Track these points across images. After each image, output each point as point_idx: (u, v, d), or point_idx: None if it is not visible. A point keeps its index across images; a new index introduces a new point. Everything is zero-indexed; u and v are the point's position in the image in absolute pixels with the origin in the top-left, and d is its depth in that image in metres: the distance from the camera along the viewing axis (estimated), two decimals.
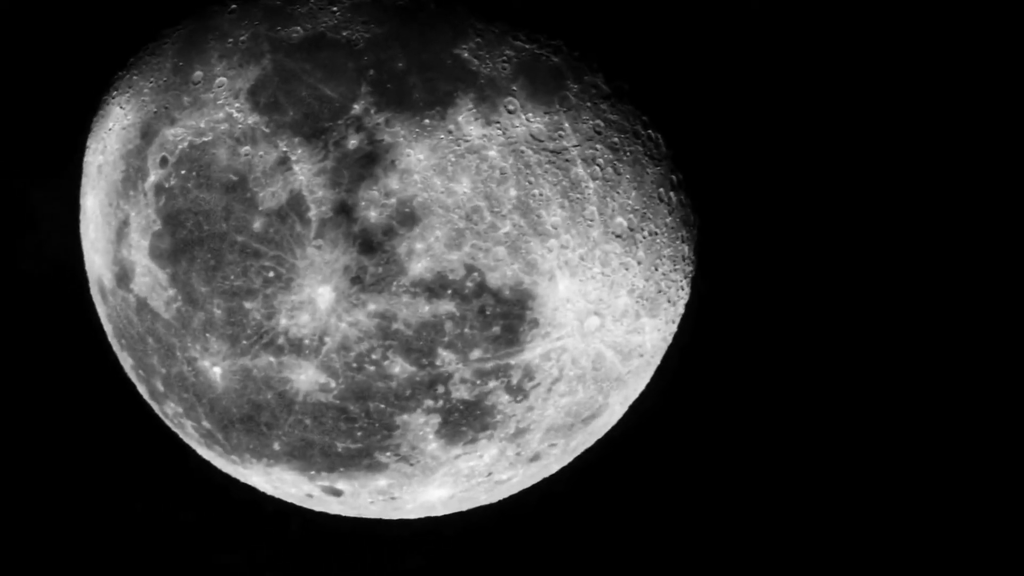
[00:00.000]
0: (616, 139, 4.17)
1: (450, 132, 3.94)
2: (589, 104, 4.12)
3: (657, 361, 4.73)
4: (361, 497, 4.53)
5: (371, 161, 3.93)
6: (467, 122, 3.96)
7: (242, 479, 4.68)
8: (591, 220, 4.11)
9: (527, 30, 4.04)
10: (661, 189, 4.31)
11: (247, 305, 4.06)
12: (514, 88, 4.01)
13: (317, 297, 4.00)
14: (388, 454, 4.30)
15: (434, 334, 4.03)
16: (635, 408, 4.80)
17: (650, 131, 4.26)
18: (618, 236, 4.18)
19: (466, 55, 3.98)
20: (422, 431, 4.24)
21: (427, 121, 3.95)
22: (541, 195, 4.02)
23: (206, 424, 4.41)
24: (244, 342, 4.11)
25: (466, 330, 4.03)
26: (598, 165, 4.11)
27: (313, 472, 4.39)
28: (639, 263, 4.28)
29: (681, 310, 4.63)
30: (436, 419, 4.20)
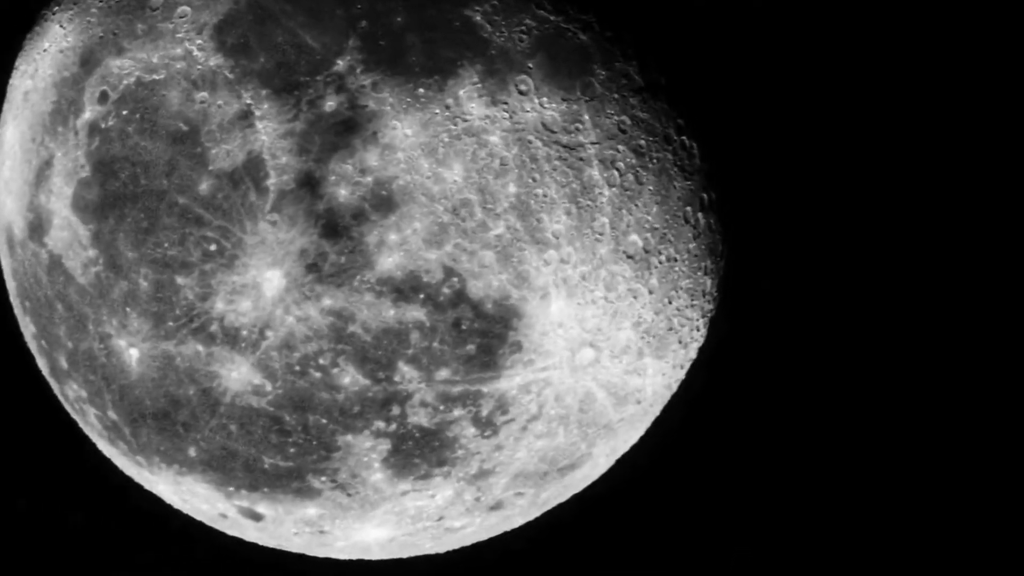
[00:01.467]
0: (643, 142, 4.15)
1: (447, 107, 3.90)
2: (616, 96, 4.09)
3: (656, 411, 4.72)
4: (284, 525, 4.48)
5: (349, 129, 3.88)
6: (469, 98, 3.92)
7: (146, 485, 4.61)
8: (600, 234, 4.08)
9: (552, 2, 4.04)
10: (688, 208, 4.31)
11: (180, 280, 4.00)
12: (530, 65, 3.97)
13: (264, 282, 3.95)
14: (323, 479, 4.24)
15: (396, 344, 3.97)
16: (623, 463, 4.78)
17: (684, 138, 4.26)
18: (630, 257, 4.17)
19: (478, 18, 3.96)
20: (367, 457, 4.18)
21: (421, 91, 3.90)
22: (545, 196, 3.98)
23: (112, 415, 4.34)
24: (170, 323, 4.05)
25: (435, 344, 3.98)
26: (617, 170, 4.09)
27: (231, 488, 4.35)
28: (650, 292, 4.27)
29: (693, 355, 4.63)
30: (385, 445, 4.15)
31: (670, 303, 4.38)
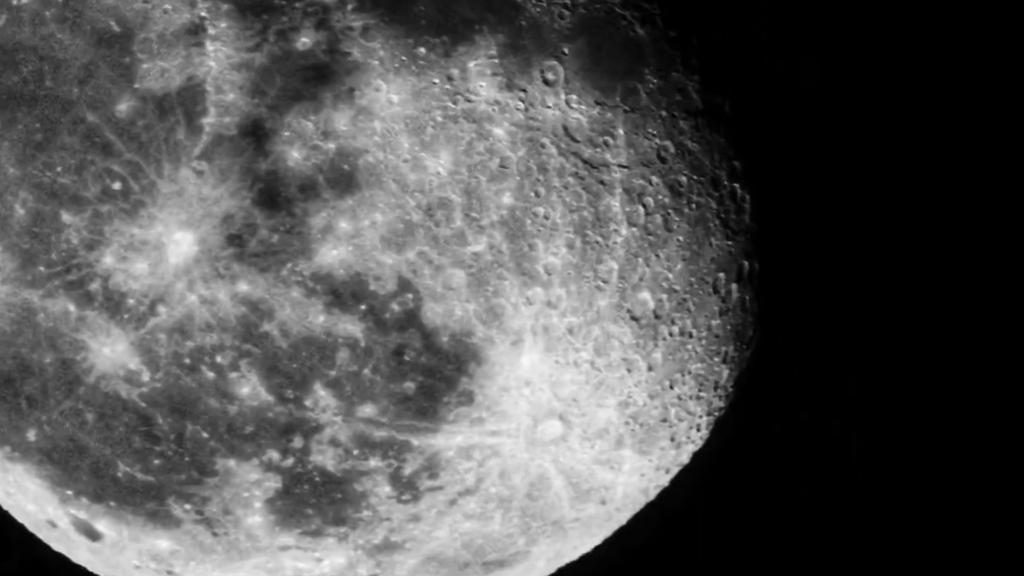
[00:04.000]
0: (684, 178, 4.17)
1: (449, 79, 3.93)
2: (664, 113, 4.12)
3: (623, 519, 4.75)
4: (125, 553, 4.47)
5: (320, 78, 3.89)
6: (480, 73, 3.94)
7: None
8: (604, 281, 4.11)
9: None
10: (721, 275, 4.35)
11: (65, 217, 3.99)
12: (565, 50, 4.01)
13: (170, 243, 3.95)
14: (187, 507, 4.24)
15: (317, 360, 3.98)
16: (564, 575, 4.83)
17: (737, 186, 4.29)
18: (635, 318, 4.20)
19: None
20: (248, 492, 4.18)
21: (422, 50, 3.92)
22: (546, 218, 4.01)
23: None
24: (41, 268, 4.03)
25: (366, 371, 3.99)
26: (644, 206, 4.11)
27: (70, 492, 4.32)
28: (650, 368, 4.29)
29: (686, 460, 4.67)
30: (275, 483, 4.15)
31: (671, 388, 4.41)
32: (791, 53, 4.64)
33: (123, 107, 3.94)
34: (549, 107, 4.00)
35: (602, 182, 4.06)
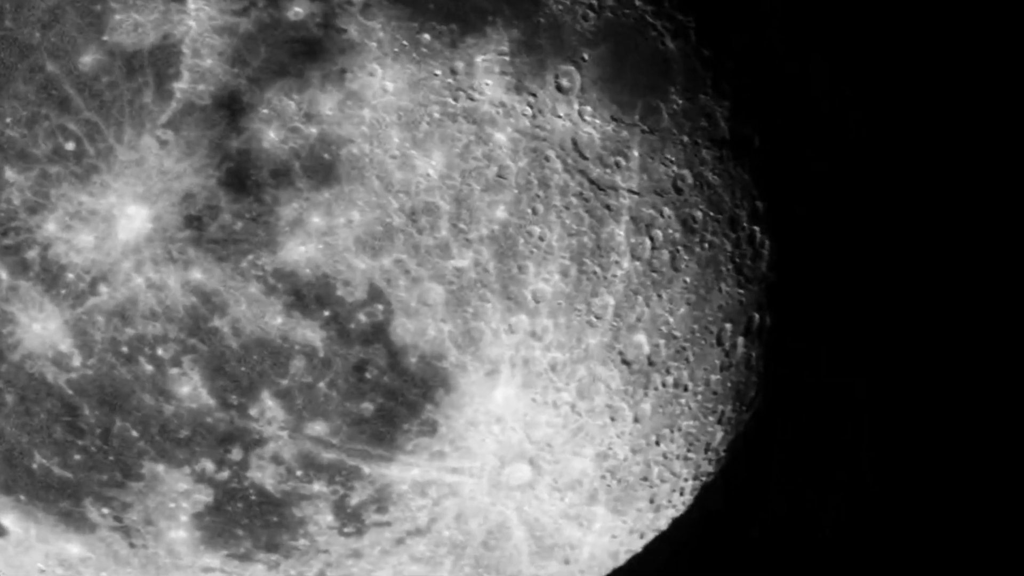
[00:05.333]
0: (699, 213, 4.16)
1: (453, 72, 3.88)
2: (685, 138, 4.10)
3: None
4: (31, 554, 4.39)
5: (310, 53, 3.85)
6: (487, 70, 3.89)
7: None
8: (598, 316, 4.07)
9: None
10: (728, 325, 4.33)
11: (9, 174, 3.91)
12: (585, 55, 3.98)
13: (121, 217, 3.87)
14: (105, 511, 4.15)
15: (269, 366, 3.91)
16: None
17: (757, 229, 4.28)
18: (626, 362, 4.17)
19: None
20: (175, 503, 4.11)
21: (427, 37, 3.86)
22: (542, 239, 3.97)
23: None
24: None
25: (322, 385, 3.92)
26: (652, 239, 4.09)
27: None
28: (636, 420, 4.26)
29: (663, 526, 4.65)
30: (206, 497, 4.08)
31: (657, 444, 4.38)
32: (839, 98, 4.64)
33: (88, 60, 3.89)
34: (559, 117, 3.96)
35: (608, 207, 4.03)
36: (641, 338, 4.16)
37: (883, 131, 5.25)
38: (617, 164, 4.01)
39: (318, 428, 3.97)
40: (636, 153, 4.03)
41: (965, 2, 6.58)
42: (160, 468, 4.02)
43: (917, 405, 6.76)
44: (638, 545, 4.70)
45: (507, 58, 3.92)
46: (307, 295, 3.86)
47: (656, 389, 4.26)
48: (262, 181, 3.82)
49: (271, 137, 3.81)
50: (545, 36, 3.94)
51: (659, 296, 4.15)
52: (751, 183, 4.24)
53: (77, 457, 4.04)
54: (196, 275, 3.86)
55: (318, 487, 4.06)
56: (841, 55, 4.68)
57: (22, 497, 4.18)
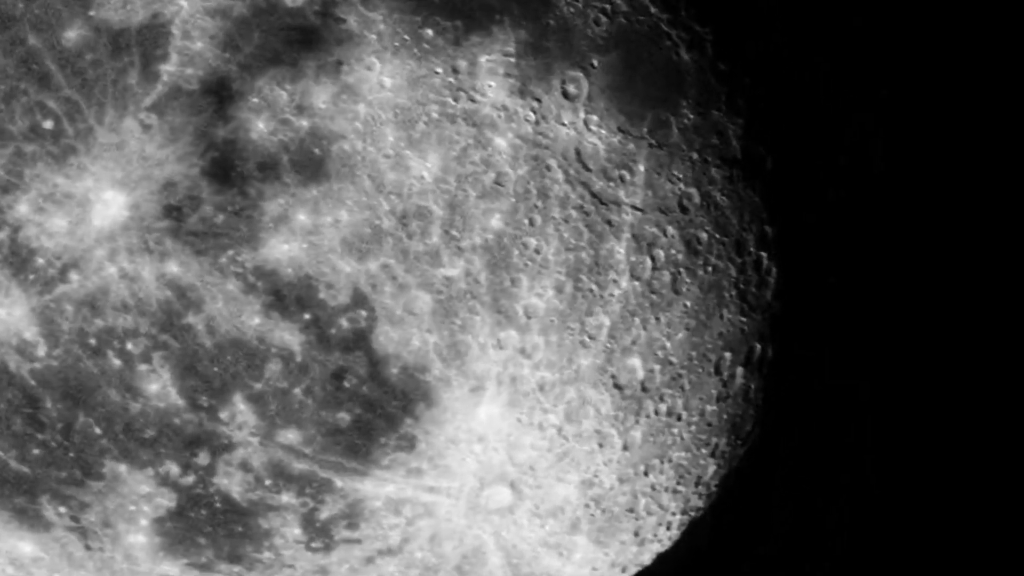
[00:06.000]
0: (704, 235, 4.15)
1: (455, 71, 3.85)
2: (695, 155, 4.08)
3: None
4: None
5: (306, 42, 3.82)
6: (491, 71, 3.87)
7: None
8: (591, 336, 4.06)
9: None
10: (727, 355, 4.33)
11: None
12: (594, 62, 3.96)
13: (97, 202, 3.83)
14: (62, 510, 4.12)
15: (243, 368, 3.89)
16: None
17: (765, 255, 4.27)
18: (618, 387, 4.16)
19: None
20: (135, 506, 4.07)
21: (430, 32, 3.84)
22: (537, 252, 3.95)
23: None
24: None
25: (297, 391, 3.89)
26: (653, 258, 4.07)
27: None
28: (625, 448, 4.24)
29: (647, 560, 4.66)
30: (168, 501, 4.04)
31: (646, 474, 4.37)
32: (860, 125, 4.65)
33: (72, 35, 3.84)
34: (564, 124, 3.95)
35: (609, 222, 4.02)
36: (635, 362, 4.15)
37: (905, 163, 5.25)
38: (621, 178, 4.00)
39: (291, 436, 3.94)
40: (642, 168, 4.02)
41: (990, 32, 6.54)
42: (122, 468, 3.99)
43: (922, 446, 6.74)
44: None
45: (512, 60, 3.90)
46: (287, 296, 3.83)
47: (648, 416, 4.25)
48: (247, 173, 3.79)
49: (260, 128, 3.78)
50: (554, 39, 3.93)
51: (657, 319, 4.15)
52: (761, 206, 4.24)
53: (36, 451, 4.02)
54: (172, 268, 3.82)
55: (287, 498, 4.04)
56: (867, 80, 4.67)
57: None
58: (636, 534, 4.50)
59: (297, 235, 3.81)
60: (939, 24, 6.24)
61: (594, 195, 3.98)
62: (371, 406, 3.94)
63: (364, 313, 3.86)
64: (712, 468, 4.52)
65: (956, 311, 6.70)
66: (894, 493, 7.00)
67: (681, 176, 4.09)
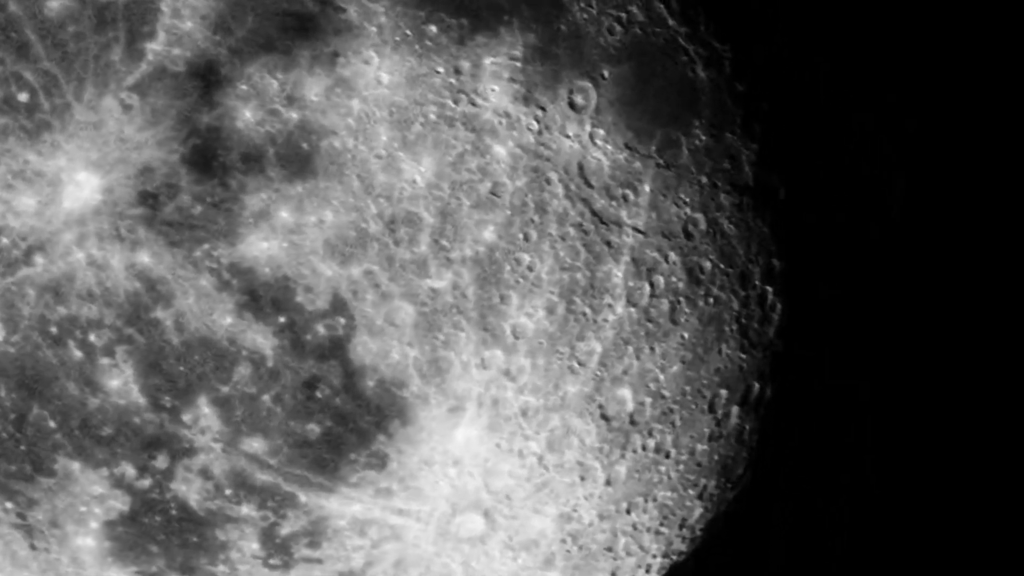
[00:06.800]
0: (708, 264, 4.15)
1: (457, 72, 3.83)
2: (704, 179, 4.07)
3: None
4: None
5: (302, 31, 3.79)
6: (495, 75, 3.84)
7: None
8: (581, 362, 4.05)
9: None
10: (723, 392, 4.32)
11: None
12: (605, 73, 3.95)
13: (69, 183, 3.80)
14: (8, 505, 4.09)
15: (211, 369, 3.86)
16: None
17: (770, 290, 4.27)
18: (606, 418, 4.14)
19: None
20: (87, 507, 4.02)
21: (433, 29, 3.81)
22: (531, 269, 3.93)
23: None
24: None
25: (266, 398, 3.85)
26: (651, 284, 4.06)
27: None
28: (608, 483, 4.24)
29: None
30: (122, 504, 3.99)
31: (628, 512, 4.37)
32: (883, 160, 4.63)
33: (55, 4, 3.79)
34: (568, 137, 3.93)
35: (608, 243, 4.01)
36: (625, 393, 4.14)
37: (928, 207, 5.24)
38: (625, 197, 4.00)
39: (256, 445, 3.92)
40: (647, 188, 4.01)
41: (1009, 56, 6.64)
42: (75, 466, 3.96)
43: (925, 498, 6.72)
44: None
45: (519, 64, 3.87)
46: (263, 296, 3.80)
47: (635, 452, 4.25)
48: (230, 164, 3.75)
49: (246, 117, 3.75)
50: (564, 46, 3.92)
51: (651, 349, 4.14)
52: (770, 238, 4.24)
53: None
54: (143, 258, 3.78)
55: (247, 510, 4.00)
56: (894, 113, 4.65)
57: None
58: (613, 574, 4.52)
59: (278, 233, 3.78)
60: (972, 65, 6.19)
61: (594, 213, 3.97)
62: (343, 419, 3.91)
63: (343, 320, 3.84)
64: (698, 511, 4.51)
65: (967, 353, 6.57)
66: (890, 548, 6.86)
67: (688, 200, 4.09)
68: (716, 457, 4.45)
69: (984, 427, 7.35)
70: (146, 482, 3.95)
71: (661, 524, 4.45)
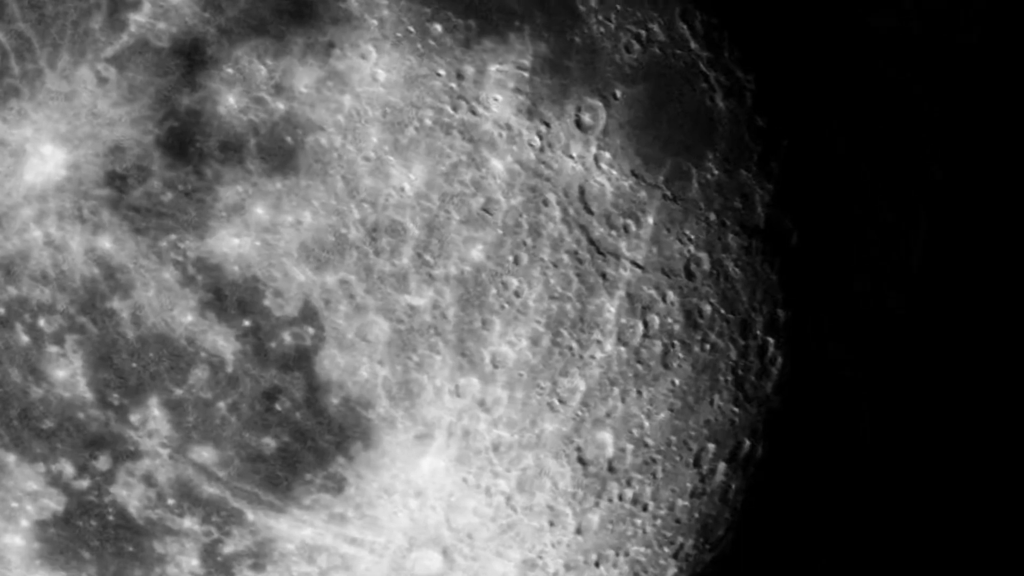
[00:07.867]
0: (708, 308, 4.10)
1: (459, 76, 3.78)
2: (712, 216, 4.03)
3: None
4: None
5: (297, 16, 3.75)
6: (500, 83, 3.80)
7: None
8: (561, 400, 3.98)
9: (708, 21, 4.03)
10: (711, 446, 4.26)
11: None
12: (617, 92, 3.90)
13: (33, 155, 3.76)
14: None
15: (165, 369, 3.78)
16: None
17: (771, 341, 4.22)
18: (583, 461, 4.09)
19: None
20: (19, 504, 3.95)
21: (438, 28, 3.77)
22: (517, 295, 3.88)
23: None
24: None
25: (221, 405, 3.80)
26: (646, 324, 4.01)
27: None
28: (579, 532, 4.18)
29: None
30: (56, 504, 3.90)
31: (597, 565, 4.30)
32: (907, 211, 4.55)
33: None
34: (571, 157, 3.87)
35: (604, 275, 3.95)
36: (606, 437, 4.08)
37: (950, 265, 5.16)
38: (626, 228, 3.94)
39: (205, 455, 3.84)
40: (651, 220, 3.96)
41: None
42: (10, 459, 3.88)
43: (928, 547, 6.69)
44: None
45: (526, 74, 3.83)
46: (228, 296, 3.74)
47: (610, 500, 4.19)
48: (207, 152, 3.69)
49: (230, 103, 3.70)
50: (576, 59, 3.88)
51: (639, 393, 4.07)
52: (777, 286, 4.18)
53: None
54: (104, 243, 3.72)
55: (189, 523, 3.92)
56: (920, 161, 4.58)
57: None
58: None
59: (251, 230, 3.72)
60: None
61: (592, 242, 3.92)
62: (301, 436, 3.84)
63: (311, 330, 3.77)
64: (672, 570, 4.49)
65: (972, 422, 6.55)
66: None
67: (693, 237, 4.04)
68: (697, 515, 4.40)
69: (981, 497, 6.96)
70: (84, 483, 3.87)
71: None
